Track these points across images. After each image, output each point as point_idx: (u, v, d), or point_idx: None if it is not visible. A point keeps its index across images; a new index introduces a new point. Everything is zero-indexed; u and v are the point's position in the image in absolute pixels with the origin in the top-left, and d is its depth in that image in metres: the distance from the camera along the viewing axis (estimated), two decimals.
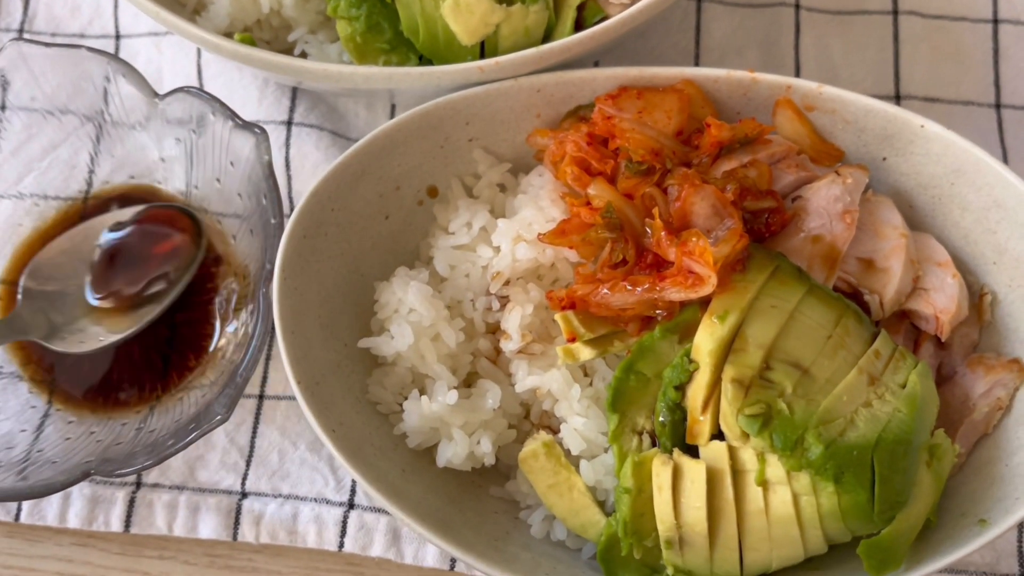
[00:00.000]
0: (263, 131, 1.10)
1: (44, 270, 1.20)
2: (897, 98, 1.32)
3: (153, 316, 1.18)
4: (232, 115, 1.11)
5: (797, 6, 1.35)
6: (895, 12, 1.35)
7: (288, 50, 1.23)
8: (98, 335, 1.18)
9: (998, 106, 1.31)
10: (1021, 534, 1.14)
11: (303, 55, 1.21)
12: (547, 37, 1.16)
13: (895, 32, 1.35)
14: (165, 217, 1.25)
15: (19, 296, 1.18)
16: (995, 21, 1.35)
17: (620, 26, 1.10)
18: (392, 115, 1.29)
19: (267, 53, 1.10)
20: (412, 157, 1.12)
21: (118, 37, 1.38)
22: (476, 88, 1.09)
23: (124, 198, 1.27)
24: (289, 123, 1.30)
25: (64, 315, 1.19)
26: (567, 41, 1.08)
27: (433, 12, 1.11)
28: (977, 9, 1.35)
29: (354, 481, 1.17)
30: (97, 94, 1.18)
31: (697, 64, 1.34)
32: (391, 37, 1.14)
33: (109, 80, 1.16)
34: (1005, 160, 1.28)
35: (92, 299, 1.20)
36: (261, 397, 1.23)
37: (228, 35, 1.17)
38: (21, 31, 1.39)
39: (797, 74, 1.33)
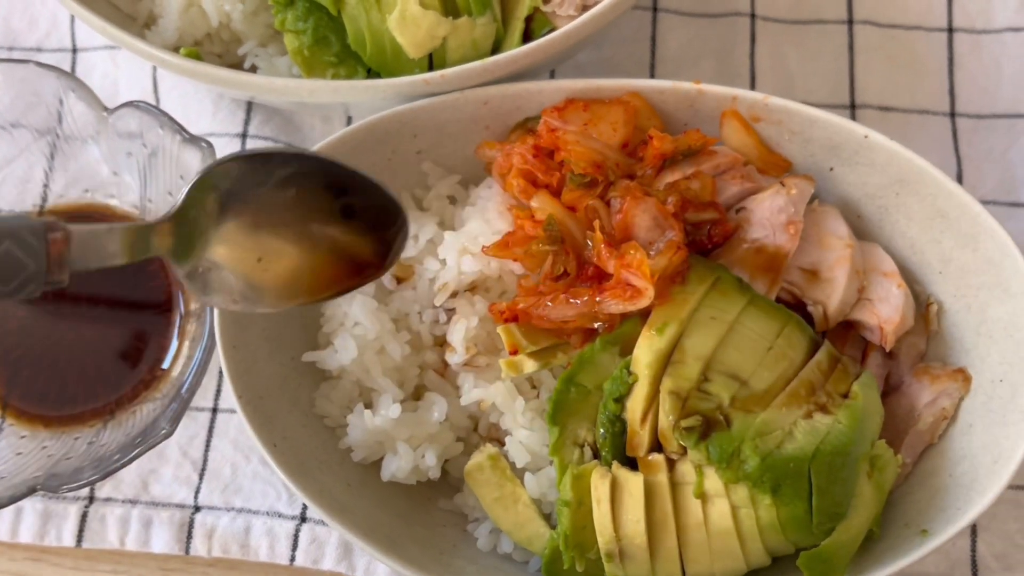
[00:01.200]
0: (210, 145, 1.10)
1: None
2: (853, 107, 1.32)
3: None
4: (180, 129, 1.11)
5: (753, 15, 1.36)
6: (850, 21, 1.35)
7: (238, 63, 1.23)
8: None
9: (953, 115, 1.31)
10: (975, 542, 1.14)
11: (253, 68, 1.21)
12: (495, 50, 1.16)
13: (850, 41, 1.35)
14: None
15: None
16: (950, 30, 1.35)
17: (567, 38, 1.10)
18: None
19: (214, 68, 1.10)
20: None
21: (75, 51, 1.38)
22: (423, 100, 1.09)
23: (78, 214, 1.27)
24: (244, 135, 1.30)
25: None
26: (514, 53, 1.08)
27: (380, 25, 1.11)
28: (932, 18, 1.36)
29: None
30: (50, 109, 1.18)
31: (653, 75, 1.34)
32: (339, 50, 1.14)
33: (60, 95, 1.16)
34: (959, 168, 1.28)
35: None
36: (214, 411, 1.23)
37: (177, 49, 1.18)
38: None
39: (752, 84, 1.34)
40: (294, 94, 1.10)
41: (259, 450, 0.99)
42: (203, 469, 1.20)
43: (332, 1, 1.11)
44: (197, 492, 1.19)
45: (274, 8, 1.14)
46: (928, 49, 1.34)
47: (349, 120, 1.30)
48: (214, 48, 1.22)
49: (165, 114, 1.12)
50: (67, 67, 1.37)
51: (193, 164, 1.12)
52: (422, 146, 1.14)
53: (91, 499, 1.19)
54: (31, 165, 1.26)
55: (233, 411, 1.22)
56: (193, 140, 1.11)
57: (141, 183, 1.24)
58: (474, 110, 1.12)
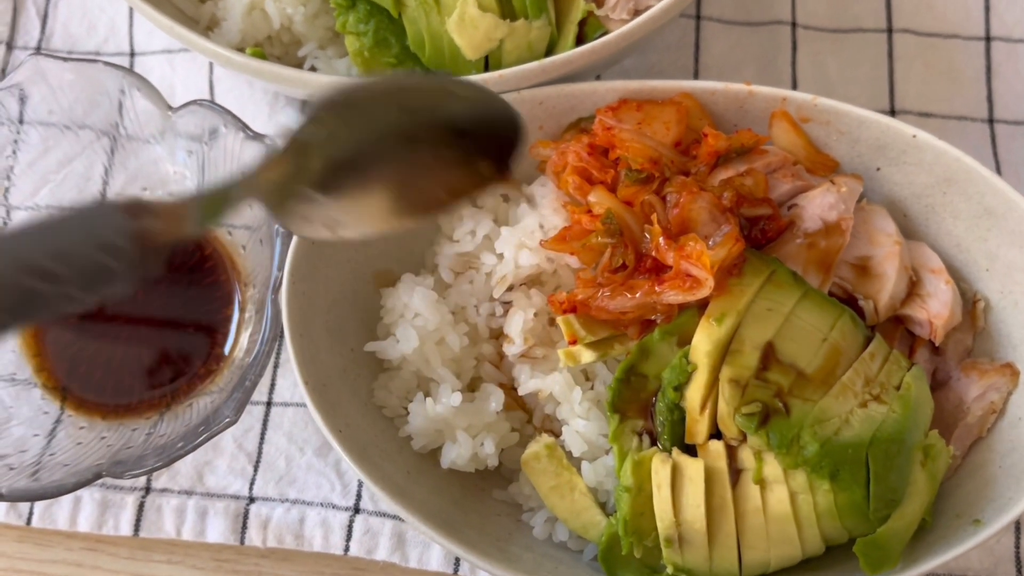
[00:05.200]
0: (274, 142, 1.13)
1: None
2: (892, 113, 1.35)
3: None
4: (243, 127, 1.14)
5: (794, 24, 1.39)
6: (889, 31, 1.39)
7: (298, 65, 1.27)
8: None
9: (991, 121, 1.34)
10: (1019, 539, 1.16)
11: (312, 70, 1.25)
12: (549, 52, 1.19)
13: (889, 50, 1.38)
14: None
15: None
16: (987, 39, 1.38)
17: (620, 40, 1.13)
18: None
19: (278, 66, 1.13)
20: None
21: (132, 55, 1.42)
22: None
23: None
24: None
25: None
26: (569, 55, 1.12)
27: (439, 27, 1.15)
28: (969, 27, 1.39)
29: (360, 485, 1.19)
30: (112, 108, 1.21)
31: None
32: (398, 52, 1.17)
33: (124, 94, 1.19)
34: (998, 172, 1.31)
35: None
36: (269, 404, 1.25)
37: (240, 50, 1.21)
38: (39, 48, 1.43)
39: (794, 90, 1.37)
40: None
41: (325, 435, 1.01)
42: (258, 461, 1.22)
43: (393, 4, 1.14)
44: (252, 483, 1.21)
45: (336, 11, 1.17)
46: (966, 57, 1.37)
47: None
48: (274, 50, 1.25)
49: (229, 112, 1.15)
50: None
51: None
52: None
53: (148, 490, 1.21)
54: (91, 163, 1.29)
55: (287, 404, 1.24)
56: (256, 137, 1.14)
57: (199, 180, 1.27)
58: (530, 110, 1.14)
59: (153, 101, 1.19)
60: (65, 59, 1.19)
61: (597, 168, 1.10)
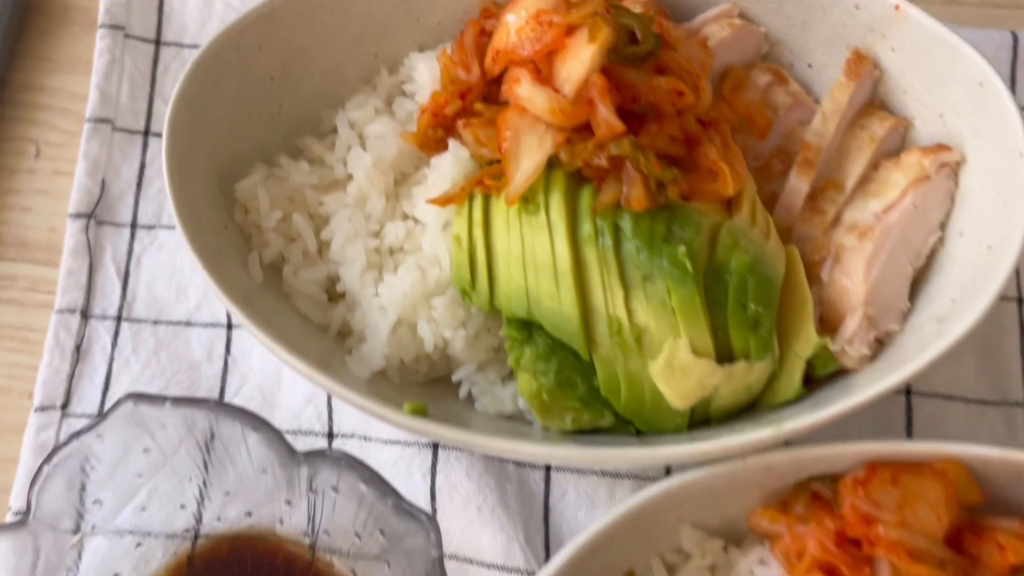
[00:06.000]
0: (431, 520, 0.90)
1: None
2: None
3: None
4: (394, 495, 0.91)
5: None
6: None
7: (446, 377, 1.04)
8: None
9: None
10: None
11: (469, 396, 1.01)
12: (767, 387, 0.96)
13: None
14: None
15: None
16: None
17: (875, 392, 0.90)
18: None
19: (449, 429, 0.90)
20: (619, 557, 0.91)
21: (230, 327, 1.19)
22: (698, 472, 0.89)
23: (238, 544, 1.07)
24: (436, 445, 1.10)
25: None
26: (816, 419, 0.88)
27: (639, 372, 0.92)
28: None
29: None
30: (221, 452, 0.99)
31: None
32: (584, 394, 0.95)
33: (242, 439, 0.97)
34: None
35: None
36: None
37: (382, 372, 0.99)
38: (119, 318, 1.20)
39: None
40: (544, 458, 0.90)
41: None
42: None
43: (584, 343, 0.92)
44: None
45: (508, 343, 0.95)
46: None
47: None
48: (420, 367, 1.02)
49: (374, 475, 0.91)
50: (221, 345, 1.18)
51: (405, 538, 0.92)
52: (684, 512, 0.93)
53: None
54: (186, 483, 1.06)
55: None
56: (411, 513, 0.90)
57: (311, 510, 1.04)
58: (751, 475, 0.91)
59: (273, 448, 0.96)
60: (165, 400, 0.95)
61: (848, 564, 0.86)
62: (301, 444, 1.13)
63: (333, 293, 1.05)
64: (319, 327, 1.03)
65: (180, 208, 0.94)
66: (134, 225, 1.24)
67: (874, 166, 1.04)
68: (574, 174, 0.94)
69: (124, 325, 1.20)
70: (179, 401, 0.96)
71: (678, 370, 0.91)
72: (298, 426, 1.14)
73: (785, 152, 1.07)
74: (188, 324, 1.20)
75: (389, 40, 1.13)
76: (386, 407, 0.89)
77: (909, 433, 1.10)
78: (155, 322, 1.20)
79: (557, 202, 0.93)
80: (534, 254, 0.93)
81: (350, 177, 1.04)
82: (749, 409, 0.98)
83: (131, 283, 1.22)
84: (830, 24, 1.07)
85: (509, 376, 1.01)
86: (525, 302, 0.94)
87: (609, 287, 0.92)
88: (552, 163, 0.94)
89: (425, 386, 1.03)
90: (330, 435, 1.13)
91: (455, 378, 1.01)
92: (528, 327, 0.95)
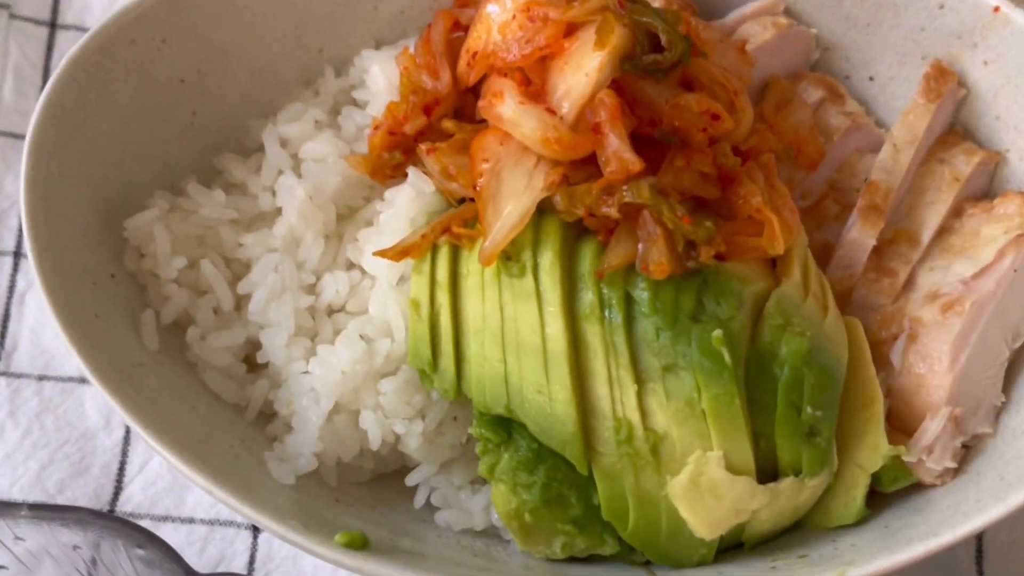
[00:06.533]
0: None
1: None
2: None
3: None
4: None
5: None
6: None
7: (400, 473, 0.80)
8: None
9: None
10: None
11: (428, 506, 0.78)
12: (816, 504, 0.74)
13: None
14: None
15: None
16: None
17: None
18: None
19: (395, 568, 0.67)
20: None
21: None
22: None
23: None
24: None
25: None
26: (889, 564, 0.67)
27: (654, 492, 0.70)
28: None
29: None
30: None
31: None
32: (579, 515, 0.72)
33: (126, 556, 0.73)
34: None
35: None
36: None
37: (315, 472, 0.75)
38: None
39: None
40: None
41: None
42: None
43: (581, 453, 0.69)
44: None
45: (480, 445, 0.72)
46: None
47: None
48: (364, 463, 0.79)
49: None
50: None
51: None
52: None
53: None
54: None
55: None
56: None
57: None
58: None
59: (166, 569, 0.73)
60: (22, 506, 0.72)
61: None
62: (219, 543, 0.91)
63: (254, 361, 0.81)
64: (234, 407, 0.79)
65: (41, 255, 0.71)
66: (17, 254, 1.02)
67: (956, 212, 0.81)
68: (573, 225, 0.72)
69: (0, 381, 0.96)
70: (39, 509, 0.73)
71: (707, 491, 0.69)
72: (216, 515, 0.91)
73: (840, 188, 0.85)
74: (82, 381, 0.98)
75: (337, 32, 0.92)
76: (311, 536, 0.66)
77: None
78: (40, 377, 1.00)
79: (549, 262, 0.72)
80: (517, 330, 0.72)
81: (279, 211, 0.81)
82: (791, 527, 0.76)
83: (11, 327, 1.03)
84: (903, 27, 0.85)
85: (481, 480, 0.78)
86: (504, 394, 0.72)
87: (617, 379, 0.72)
88: (544, 208, 0.72)
89: (371, 485, 0.80)
90: (256, 528, 0.90)
91: (410, 482, 0.78)
92: (507, 425, 0.74)
